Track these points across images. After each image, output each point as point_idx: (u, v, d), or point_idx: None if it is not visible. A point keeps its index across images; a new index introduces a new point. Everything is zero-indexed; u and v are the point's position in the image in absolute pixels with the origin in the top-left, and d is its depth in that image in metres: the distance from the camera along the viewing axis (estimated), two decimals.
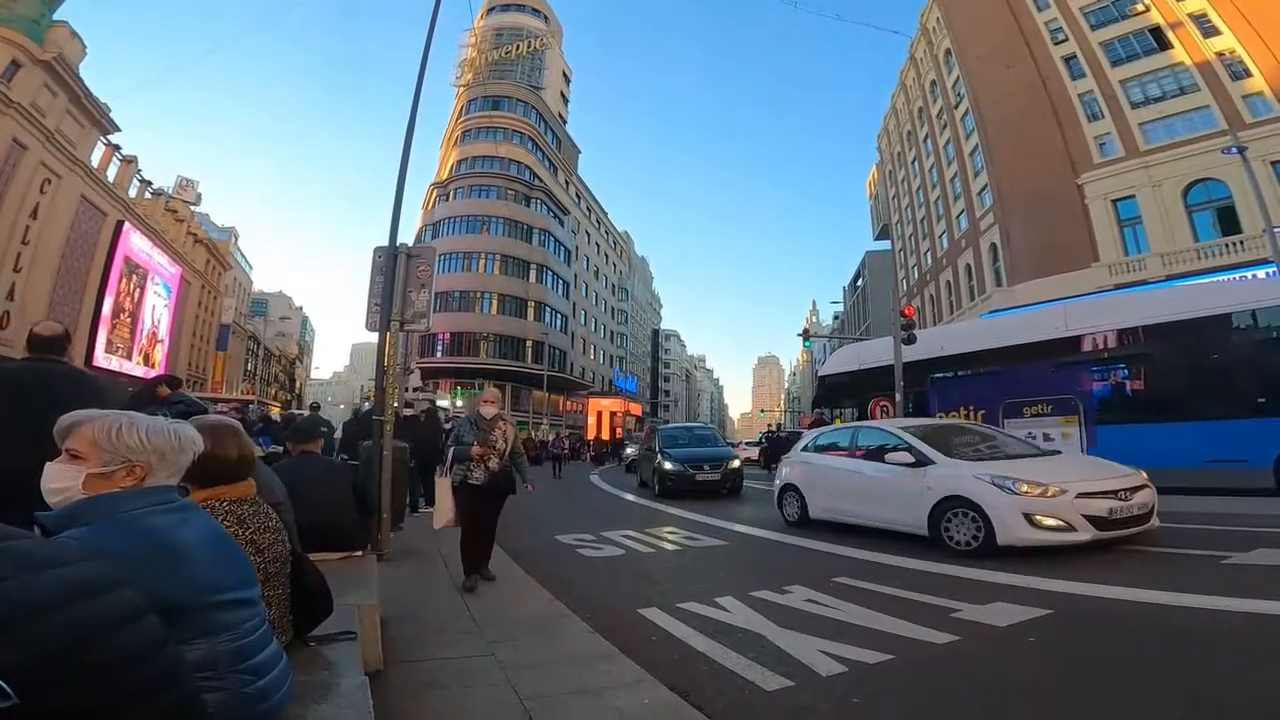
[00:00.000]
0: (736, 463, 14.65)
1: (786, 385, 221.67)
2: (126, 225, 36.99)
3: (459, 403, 48.30)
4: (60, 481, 1.44)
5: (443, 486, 5.65)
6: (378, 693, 2.15)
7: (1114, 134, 28.31)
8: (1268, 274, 17.65)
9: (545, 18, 67.63)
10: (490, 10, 64.89)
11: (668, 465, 14.09)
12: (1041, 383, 12.67)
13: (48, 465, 1.47)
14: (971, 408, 13.76)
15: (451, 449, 5.60)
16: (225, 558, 1.52)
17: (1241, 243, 23.15)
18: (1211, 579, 4.95)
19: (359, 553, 4.26)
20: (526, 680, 3.21)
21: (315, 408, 14.50)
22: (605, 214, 79.09)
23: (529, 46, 61.16)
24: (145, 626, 1.16)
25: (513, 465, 5.68)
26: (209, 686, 1.34)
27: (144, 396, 4.69)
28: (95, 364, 33.56)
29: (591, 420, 52.07)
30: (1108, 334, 12.05)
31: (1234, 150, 18.40)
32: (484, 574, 5.55)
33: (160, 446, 1.48)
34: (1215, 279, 19.20)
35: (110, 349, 36.02)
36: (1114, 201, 27.52)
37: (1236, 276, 19.68)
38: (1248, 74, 25.53)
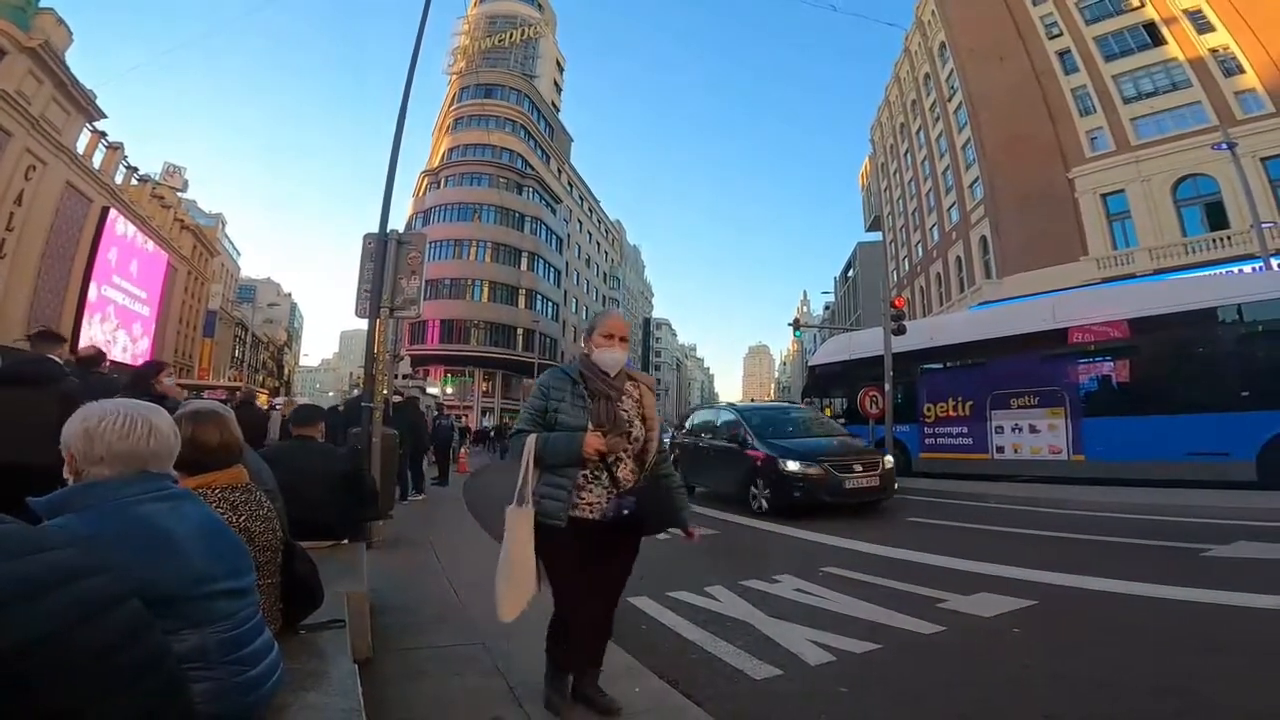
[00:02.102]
0: (890, 460, 10.20)
1: (777, 375, 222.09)
2: (112, 211, 36.59)
3: (449, 389, 48.26)
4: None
5: (519, 527, 2.52)
6: (368, 681, 2.15)
7: (1105, 128, 28.41)
8: (1254, 269, 17.81)
9: (539, 5, 67.09)
10: None
11: (793, 466, 9.29)
12: (1029, 374, 12.75)
13: None
14: (960, 398, 13.85)
15: (526, 439, 2.60)
16: (219, 547, 1.51)
17: (1229, 238, 23.33)
18: (1191, 571, 5.02)
19: (346, 540, 4.25)
20: (517, 668, 3.22)
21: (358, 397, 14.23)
22: (597, 203, 78.84)
23: (522, 34, 60.63)
24: (127, 612, 1.15)
25: (661, 482, 2.82)
26: (199, 676, 1.34)
27: (138, 386, 4.60)
28: (31, 335, 33.20)
29: None
30: (1094, 327, 12.15)
31: (1224, 146, 18.48)
32: (595, 697, 2.77)
33: (73, 433, 1.46)
34: (1202, 273, 19.35)
35: (96, 336, 35.70)
36: (1104, 196, 27.65)
37: (1222, 271, 19.81)
38: (1240, 70, 25.62)
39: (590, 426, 2.56)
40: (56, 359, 4.16)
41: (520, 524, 2.50)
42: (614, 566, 2.75)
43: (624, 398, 2.75)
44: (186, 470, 1.90)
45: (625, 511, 2.61)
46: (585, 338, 2.85)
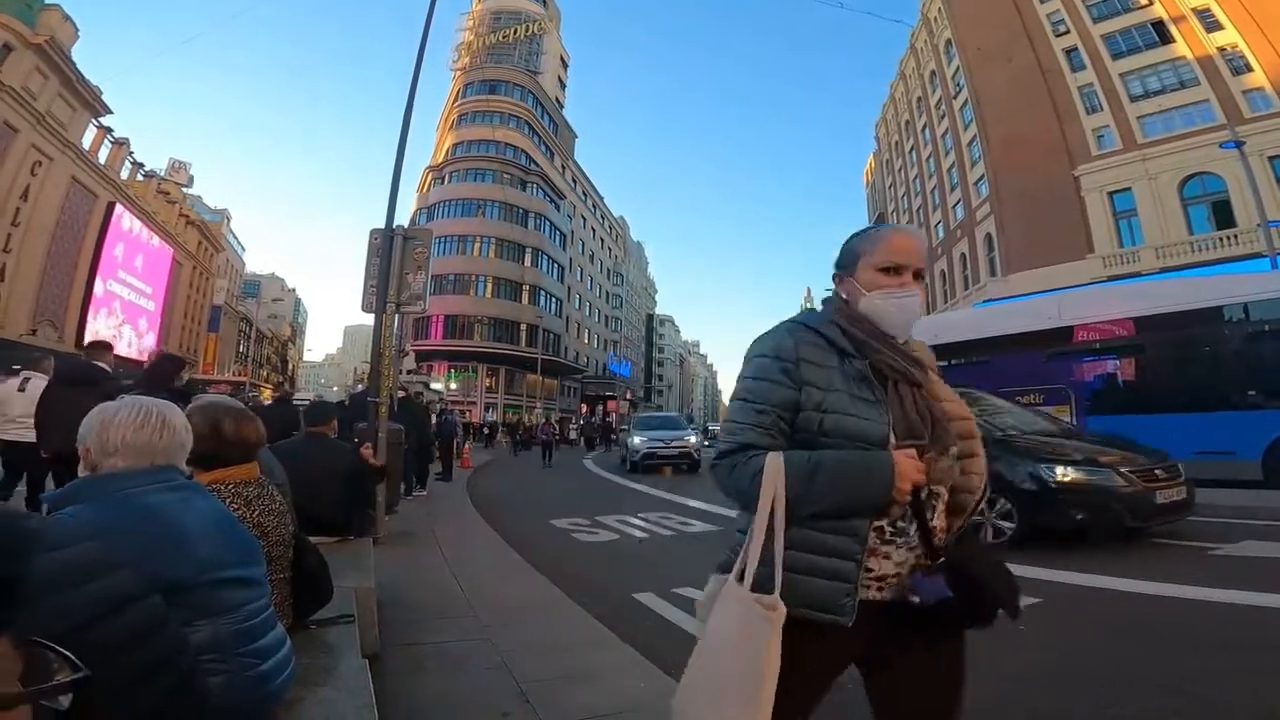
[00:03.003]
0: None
1: None
2: (118, 207, 36.75)
3: (452, 385, 48.35)
4: None
5: (757, 627, 1.23)
6: (375, 676, 2.17)
7: (1112, 126, 28.32)
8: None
9: (544, 2, 67.02)
10: None
11: (1069, 474, 6.28)
12: (1034, 372, 12.71)
13: None
14: None
15: (761, 463, 1.31)
16: (227, 537, 1.53)
17: (1235, 236, 23.27)
18: (1200, 570, 5.01)
19: (353, 536, 4.27)
20: (523, 664, 3.23)
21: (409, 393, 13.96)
22: (601, 199, 78.79)
23: (527, 30, 60.60)
24: (144, 609, 1.16)
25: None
26: (214, 669, 1.35)
27: (159, 383, 4.64)
28: (85, 347, 33.38)
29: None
30: (1100, 325, 12.11)
31: (1232, 145, 18.40)
32: None
33: (89, 427, 1.48)
34: (1208, 272, 19.28)
35: (101, 331, 35.83)
36: (1110, 194, 27.59)
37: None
38: (1248, 69, 25.54)
39: (893, 438, 1.32)
40: (105, 365, 5.26)
41: (760, 621, 1.23)
42: (930, 675, 1.42)
43: (933, 393, 1.45)
44: (203, 465, 1.91)
45: (922, 595, 1.33)
46: (840, 273, 1.49)
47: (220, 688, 1.34)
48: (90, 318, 34.61)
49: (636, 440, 18.14)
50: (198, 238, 55.69)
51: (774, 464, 1.29)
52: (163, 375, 4.86)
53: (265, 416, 2.62)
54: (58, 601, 1.03)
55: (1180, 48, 27.50)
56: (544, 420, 28.66)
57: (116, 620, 1.10)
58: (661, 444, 17.72)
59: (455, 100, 59.60)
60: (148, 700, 1.11)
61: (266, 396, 40.92)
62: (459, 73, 59.52)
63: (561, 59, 70.17)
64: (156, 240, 42.96)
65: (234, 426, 2.05)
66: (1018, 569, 4.41)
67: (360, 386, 15.33)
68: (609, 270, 79.83)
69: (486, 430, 37.35)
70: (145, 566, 1.25)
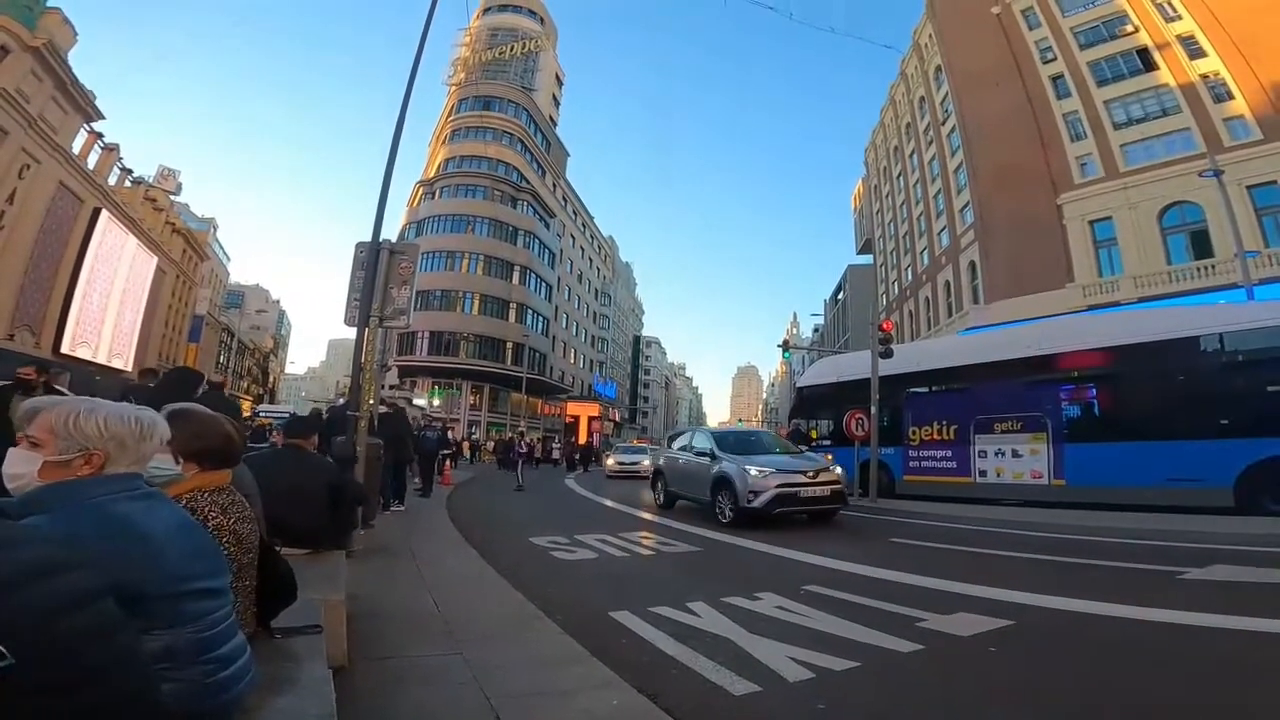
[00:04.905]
0: None
1: (764, 396, 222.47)
2: (104, 213, 36.47)
3: (436, 401, 48.02)
4: (17, 468, 1.42)
5: None
6: (343, 689, 2.14)
7: (1095, 155, 28.73)
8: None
9: (541, 19, 67.62)
10: (486, 10, 64.76)
11: None
12: (1012, 400, 12.87)
13: (9, 451, 1.45)
14: (944, 422, 13.94)
15: None
16: (194, 547, 1.51)
17: (1213, 266, 23.60)
18: (1167, 593, 5.07)
19: (325, 549, 4.22)
20: (495, 680, 3.20)
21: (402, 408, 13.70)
22: (591, 219, 79.08)
23: (523, 48, 61.05)
24: (97, 611, 1.15)
25: None
26: (168, 676, 1.33)
27: (179, 392, 4.66)
28: (62, 353, 32.94)
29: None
30: (1077, 354, 12.29)
31: (1212, 174, 18.63)
32: None
33: (119, 434, 1.45)
34: (1184, 303, 19.58)
35: (79, 338, 35.39)
36: (1091, 222, 27.96)
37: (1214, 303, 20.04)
38: (1229, 96, 25.90)
39: None
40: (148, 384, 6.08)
41: None
42: None
43: None
44: (214, 464, 2.05)
45: None
46: None
47: (176, 694, 1.33)
48: (70, 322, 34.18)
49: (753, 472, 10.08)
50: (183, 246, 55.29)
51: None
52: (186, 386, 4.92)
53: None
54: (13, 599, 1.03)
55: (1164, 75, 27.94)
56: (518, 437, 24.45)
57: (70, 620, 1.09)
58: (802, 478, 10.12)
59: (449, 115, 59.80)
60: (99, 702, 1.10)
61: (246, 409, 40.43)
62: (454, 88, 59.74)
63: (556, 76, 70.68)
64: (141, 247, 42.58)
65: (235, 432, 2.18)
66: (987, 591, 4.46)
67: (341, 399, 15.19)
68: (597, 290, 79.95)
69: (454, 449, 33.54)
70: (112, 574, 1.24)
